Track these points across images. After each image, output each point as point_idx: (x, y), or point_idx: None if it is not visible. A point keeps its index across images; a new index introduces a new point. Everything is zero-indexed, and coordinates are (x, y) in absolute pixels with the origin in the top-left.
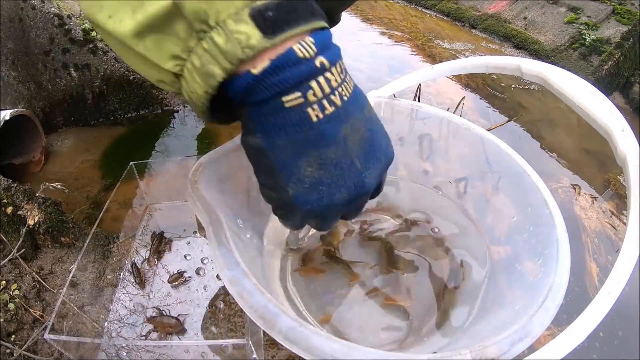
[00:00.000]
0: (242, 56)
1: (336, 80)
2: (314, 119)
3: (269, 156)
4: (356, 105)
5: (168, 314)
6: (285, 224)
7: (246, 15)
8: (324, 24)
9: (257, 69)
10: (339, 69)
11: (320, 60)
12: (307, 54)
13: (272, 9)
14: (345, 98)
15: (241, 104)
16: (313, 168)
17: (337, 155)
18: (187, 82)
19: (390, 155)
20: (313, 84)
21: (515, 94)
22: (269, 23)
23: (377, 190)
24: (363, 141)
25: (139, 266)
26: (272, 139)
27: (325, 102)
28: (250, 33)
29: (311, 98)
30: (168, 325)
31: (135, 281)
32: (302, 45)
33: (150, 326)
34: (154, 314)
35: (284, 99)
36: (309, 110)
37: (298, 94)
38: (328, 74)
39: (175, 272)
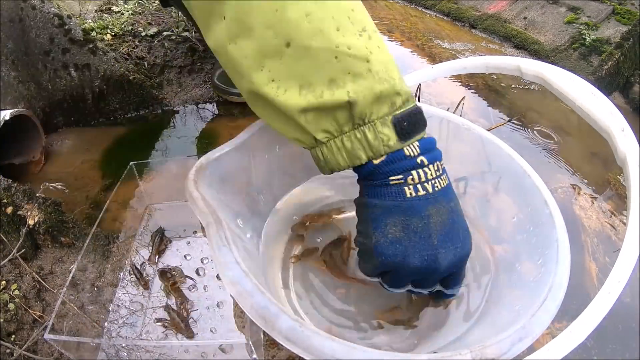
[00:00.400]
0: (382, 152)
1: (432, 175)
2: (408, 195)
3: (368, 210)
4: (445, 197)
5: (185, 315)
6: (362, 266)
7: (389, 121)
8: (427, 132)
9: (377, 160)
10: (436, 167)
11: (421, 158)
12: (411, 154)
13: (406, 120)
14: (436, 189)
15: (361, 178)
16: (397, 228)
17: (419, 227)
18: (329, 151)
19: (468, 248)
20: (413, 172)
21: (515, 94)
22: (404, 131)
23: (452, 279)
24: (444, 225)
25: (139, 268)
26: (373, 200)
27: (419, 186)
28: (390, 136)
29: (409, 181)
30: (179, 325)
31: (140, 283)
32: (410, 148)
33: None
34: (174, 307)
35: (391, 178)
36: (406, 188)
37: (400, 176)
38: (426, 169)
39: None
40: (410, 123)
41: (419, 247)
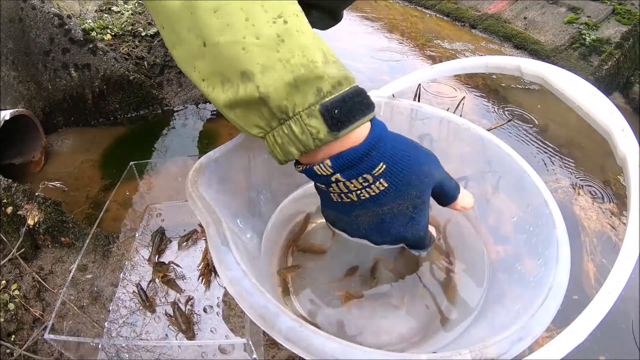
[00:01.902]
0: (312, 146)
1: (355, 187)
2: (334, 199)
3: (319, 193)
4: (375, 203)
5: (190, 314)
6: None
7: (317, 111)
8: (374, 112)
9: (299, 167)
10: (362, 180)
11: (336, 177)
12: (323, 172)
13: (337, 107)
14: (363, 197)
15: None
16: (331, 214)
17: (349, 220)
18: (269, 145)
19: (401, 236)
20: (332, 185)
21: (515, 94)
22: (335, 120)
23: (410, 245)
24: (372, 223)
25: (145, 289)
26: (317, 189)
27: (343, 195)
28: (320, 128)
29: (332, 190)
30: (180, 326)
31: (145, 305)
32: (320, 166)
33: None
34: (181, 304)
35: (317, 182)
36: (332, 194)
37: (323, 185)
38: (346, 183)
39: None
40: (342, 110)
41: (351, 231)
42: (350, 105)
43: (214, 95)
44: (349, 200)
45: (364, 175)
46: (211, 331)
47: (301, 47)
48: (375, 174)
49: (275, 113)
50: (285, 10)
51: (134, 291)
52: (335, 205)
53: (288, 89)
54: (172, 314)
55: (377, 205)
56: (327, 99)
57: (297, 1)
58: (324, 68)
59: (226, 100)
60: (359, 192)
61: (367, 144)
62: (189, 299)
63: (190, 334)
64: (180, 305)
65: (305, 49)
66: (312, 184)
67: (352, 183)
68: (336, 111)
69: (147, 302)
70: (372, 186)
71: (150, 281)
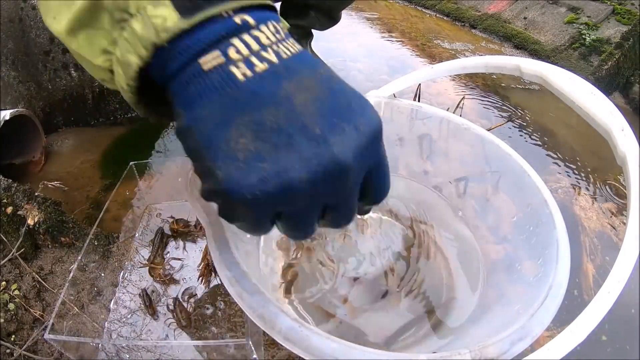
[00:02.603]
0: (156, 40)
1: (268, 38)
2: (241, 77)
3: (195, 133)
4: (304, 63)
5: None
6: (240, 227)
7: None
8: (263, 2)
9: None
10: (272, 29)
11: (240, 17)
12: (223, 14)
13: None
14: (284, 55)
15: (163, 84)
16: (247, 139)
17: (278, 119)
18: (115, 76)
19: (375, 121)
20: (235, 41)
21: (515, 94)
22: (188, 3)
23: (375, 180)
24: (320, 101)
25: (149, 294)
26: (194, 111)
27: (254, 58)
28: (167, 15)
29: (234, 56)
30: (180, 321)
31: (148, 312)
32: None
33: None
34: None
35: (201, 60)
36: (233, 68)
37: (216, 52)
38: (255, 32)
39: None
40: None
41: (295, 150)
42: None
43: (59, 25)
44: (265, 65)
45: (272, 23)
46: (211, 331)
47: None
48: (285, 29)
49: (113, 14)
50: None
51: (139, 294)
52: (246, 100)
53: None
54: (172, 310)
55: (309, 65)
56: None
57: (295, 2)
58: None
59: (67, 25)
60: (275, 46)
61: None
62: (190, 296)
63: (191, 329)
64: (180, 301)
65: None
66: None
67: (262, 31)
68: None
69: (150, 308)
70: (288, 41)
71: (154, 291)
